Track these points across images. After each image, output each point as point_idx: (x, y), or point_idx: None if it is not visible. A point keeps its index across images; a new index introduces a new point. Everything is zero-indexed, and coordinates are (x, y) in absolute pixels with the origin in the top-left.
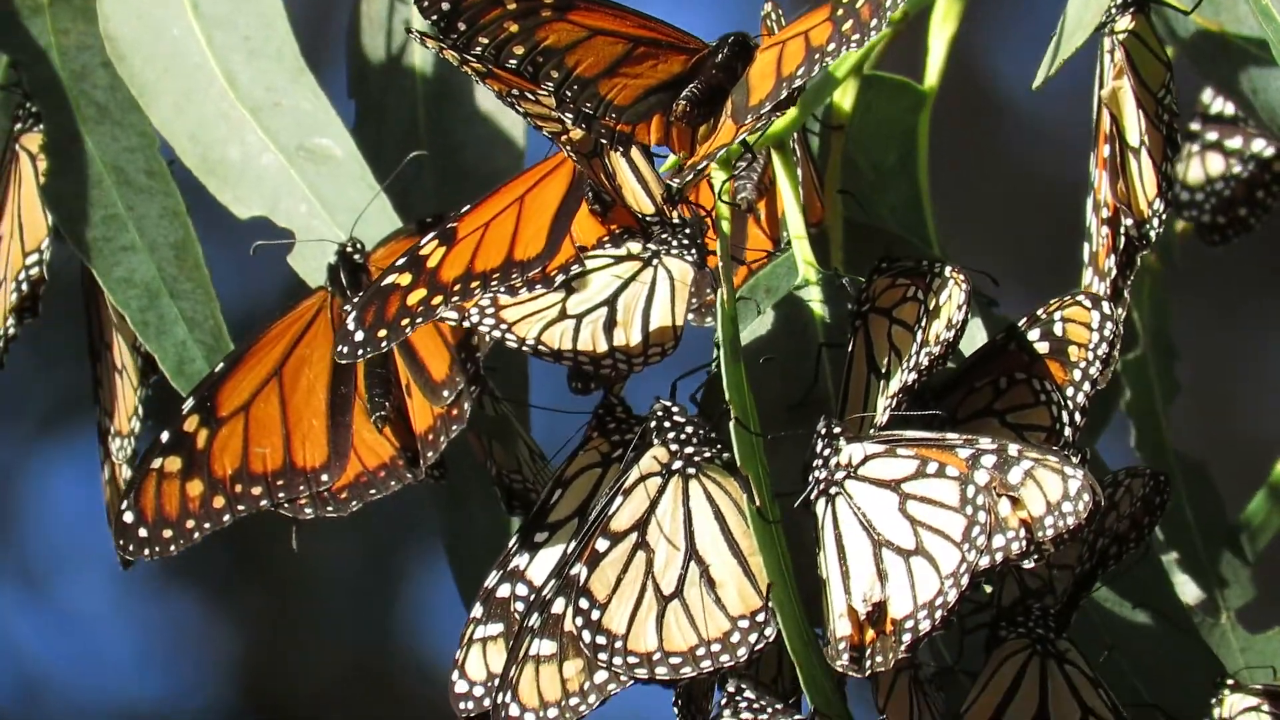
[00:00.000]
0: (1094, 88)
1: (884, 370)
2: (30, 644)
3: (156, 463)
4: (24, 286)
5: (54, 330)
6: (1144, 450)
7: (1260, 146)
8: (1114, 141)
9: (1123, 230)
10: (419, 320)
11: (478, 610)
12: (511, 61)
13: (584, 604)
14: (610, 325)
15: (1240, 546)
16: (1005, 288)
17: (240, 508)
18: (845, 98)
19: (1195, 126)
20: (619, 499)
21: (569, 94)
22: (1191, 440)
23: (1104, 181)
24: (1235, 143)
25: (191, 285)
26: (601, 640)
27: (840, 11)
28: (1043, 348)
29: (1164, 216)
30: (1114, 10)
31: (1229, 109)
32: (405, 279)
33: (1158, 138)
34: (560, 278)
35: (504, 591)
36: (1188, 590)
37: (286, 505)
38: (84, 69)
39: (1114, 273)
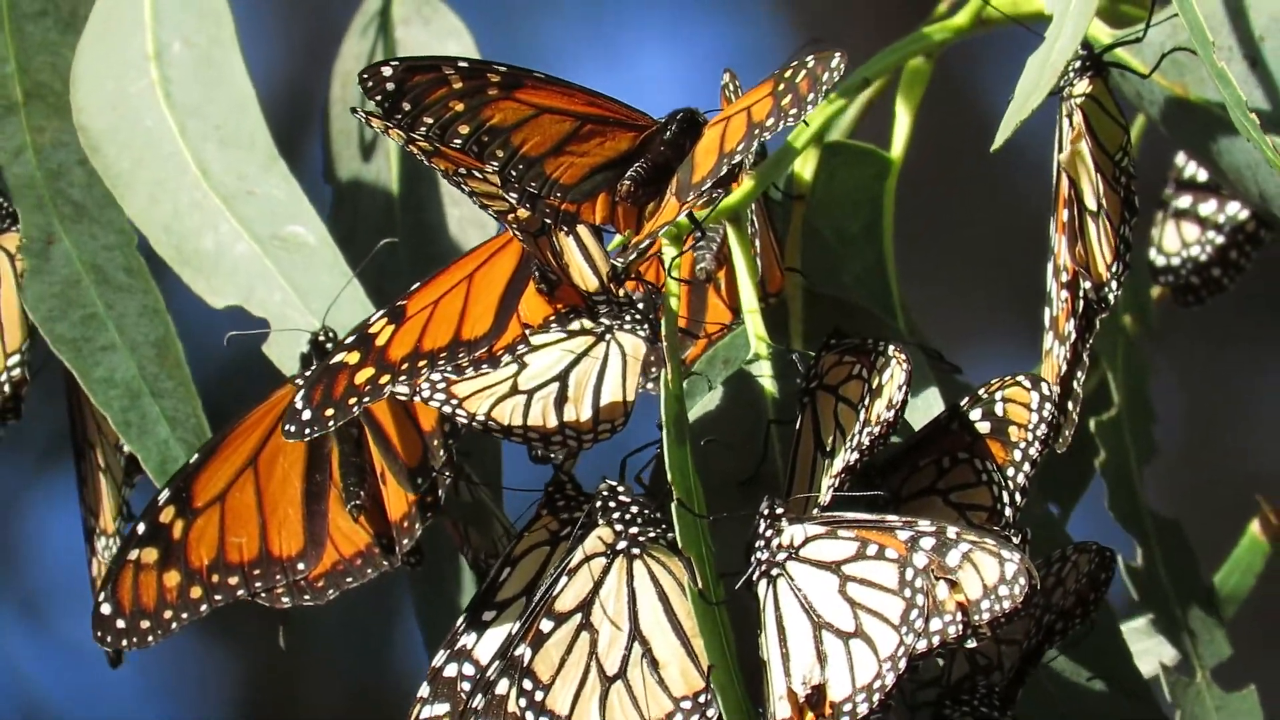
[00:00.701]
0: (1053, 151)
1: (829, 448)
2: (32, 675)
3: (133, 554)
4: (6, 388)
5: (55, 365)
6: (1117, 511)
7: (1235, 210)
8: (1072, 205)
9: (1082, 294)
10: (366, 400)
11: (424, 690)
12: (456, 141)
13: (528, 685)
14: (561, 401)
15: (1215, 605)
16: (979, 351)
17: (218, 598)
18: (806, 167)
19: (1169, 191)
20: (564, 579)
21: (514, 173)
22: (1175, 492)
23: (1063, 245)
24: (1209, 208)
25: (173, 384)
26: None
27: (781, 86)
28: (984, 427)
29: (1122, 280)
30: (1071, 74)
31: (1202, 174)
32: (354, 357)
33: (1116, 201)
34: (506, 357)
35: (451, 671)
36: (1163, 650)
37: (264, 595)
38: (60, 167)
39: (1074, 336)
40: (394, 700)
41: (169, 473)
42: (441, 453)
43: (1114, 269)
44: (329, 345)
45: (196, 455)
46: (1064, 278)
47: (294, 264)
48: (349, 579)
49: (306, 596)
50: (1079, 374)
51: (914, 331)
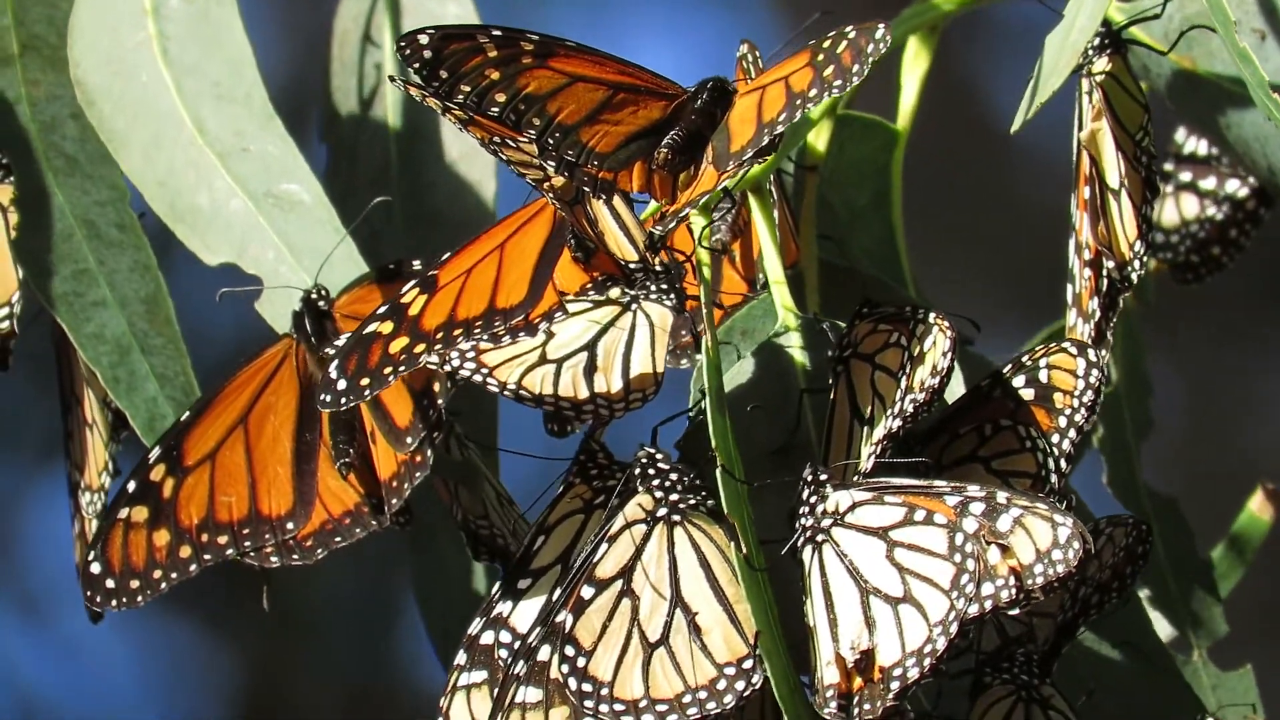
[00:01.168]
0: (1073, 129)
1: (868, 416)
2: (30, 670)
3: (123, 513)
4: None
5: (45, 319)
6: (1116, 487)
7: (1234, 187)
8: (1094, 183)
9: (1105, 272)
10: (401, 369)
11: (462, 657)
12: (493, 109)
13: (569, 651)
14: (590, 370)
15: (1212, 583)
16: (986, 323)
17: (207, 557)
18: (820, 139)
19: (1169, 167)
20: (604, 546)
21: (551, 142)
22: (1174, 471)
23: (1085, 223)
24: (1209, 183)
25: (162, 340)
26: (587, 687)
27: (821, 57)
28: (1028, 394)
29: (1145, 258)
30: (1090, 52)
31: (1202, 149)
32: (387, 327)
33: (1137, 179)
34: (543, 325)
35: (488, 638)
36: (1160, 627)
37: (253, 554)
38: (54, 120)
39: (1098, 315)
40: (391, 698)
41: (157, 430)
42: (433, 412)
43: (1136, 248)
44: (321, 303)
45: (188, 413)
46: (1086, 255)
47: (288, 221)
48: (338, 538)
49: (295, 556)
50: (1104, 351)
51: (924, 302)
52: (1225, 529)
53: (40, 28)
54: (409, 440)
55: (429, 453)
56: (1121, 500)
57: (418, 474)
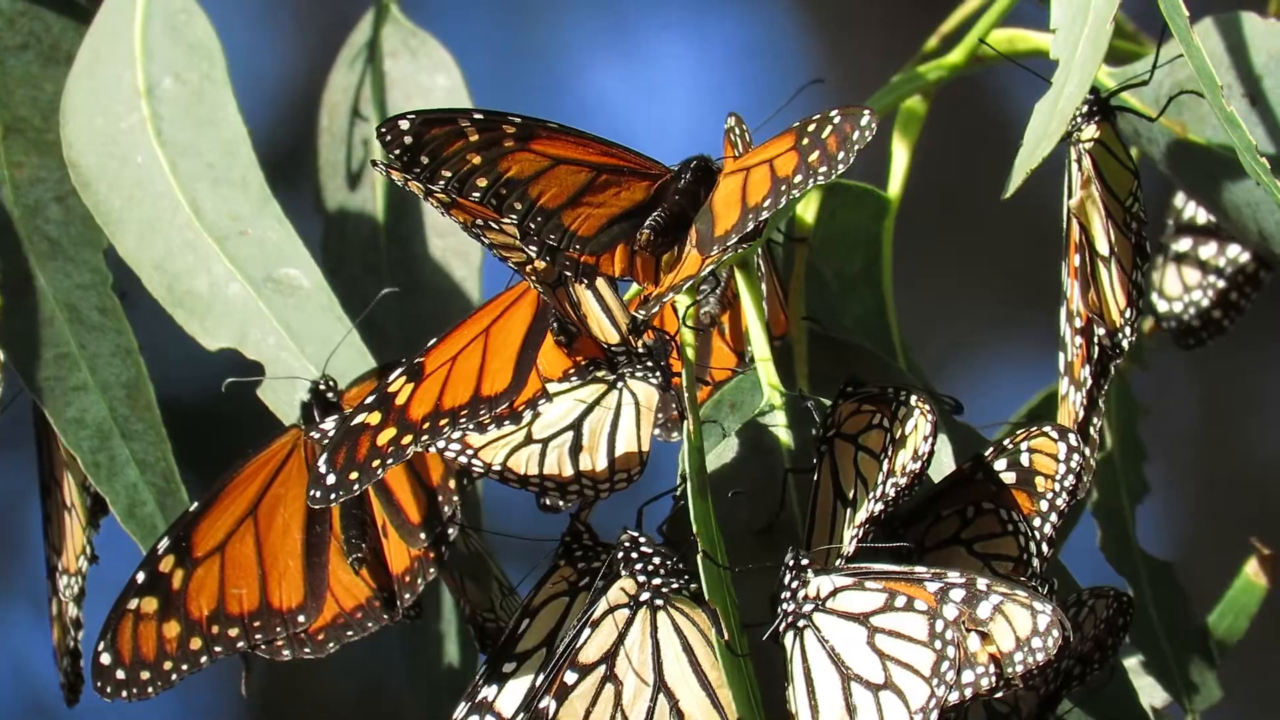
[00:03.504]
0: (1063, 197)
1: (851, 498)
2: (42, 670)
3: (133, 603)
4: None
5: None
6: (1109, 552)
7: (1235, 253)
8: (1084, 251)
9: (1096, 340)
10: (390, 461)
11: None
12: (475, 194)
13: None
14: (576, 450)
15: (1207, 648)
16: (977, 390)
17: (218, 649)
18: (808, 210)
19: (1169, 234)
20: (587, 631)
21: (533, 226)
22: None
23: (1076, 291)
24: (1210, 251)
25: (143, 426)
26: None
27: (806, 141)
28: (1009, 477)
29: (1136, 325)
30: (1079, 119)
31: (1201, 215)
32: (375, 418)
33: (1127, 246)
34: (527, 414)
35: None
36: (1154, 693)
37: (264, 647)
38: (37, 203)
39: (1089, 382)
40: (404, 702)
41: (137, 516)
42: (447, 509)
43: (1127, 314)
44: (330, 395)
45: (196, 504)
46: (1078, 323)
47: (288, 307)
48: (349, 632)
49: (306, 649)
50: (1095, 420)
51: (915, 373)
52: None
53: (24, 110)
54: (422, 536)
55: (443, 549)
56: (1115, 565)
57: (431, 570)
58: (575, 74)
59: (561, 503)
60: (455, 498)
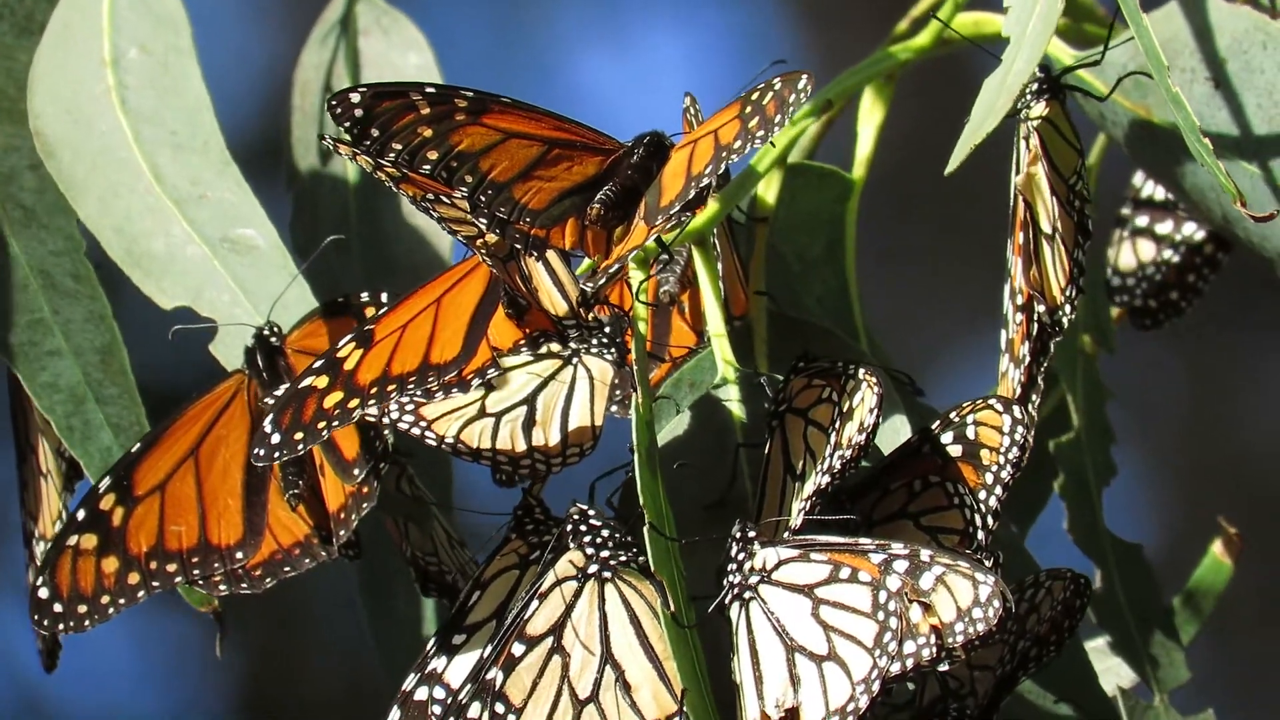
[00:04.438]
0: (1009, 174)
1: (799, 471)
2: (30, 660)
3: (72, 540)
4: None
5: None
6: (1076, 533)
7: (1191, 230)
8: (1028, 228)
9: (1036, 317)
10: (336, 424)
11: (396, 713)
12: (425, 167)
13: (499, 708)
14: (529, 424)
15: (1174, 629)
16: (941, 373)
17: (155, 584)
18: (769, 190)
19: (1126, 211)
20: (535, 603)
21: (483, 199)
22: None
23: (1019, 268)
24: (1166, 227)
25: (117, 390)
26: None
27: (748, 110)
28: (955, 450)
29: (1075, 303)
30: (1029, 96)
31: (1160, 193)
32: (322, 381)
33: (1070, 224)
34: (476, 381)
35: (421, 694)
36: (1122, 673)
37: (202, 582)
38: (11, 171)
39: (1028, 359)
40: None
41: None
42: (379, 445)
43: (1068, 292)
44: (274, 340)
45: (138, 444)
46: (1019, 300)
47: (243, 265)
48: (287, 568)
49: (244, 585)
50: (1034, 397)
51: (877, 353)
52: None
53: None
54: (356, 472)
55: (375, 484)
56: (1083, 547)
57: (364, 505)
58: (565, 63)
59: (515, 477)
60: (387, 434)
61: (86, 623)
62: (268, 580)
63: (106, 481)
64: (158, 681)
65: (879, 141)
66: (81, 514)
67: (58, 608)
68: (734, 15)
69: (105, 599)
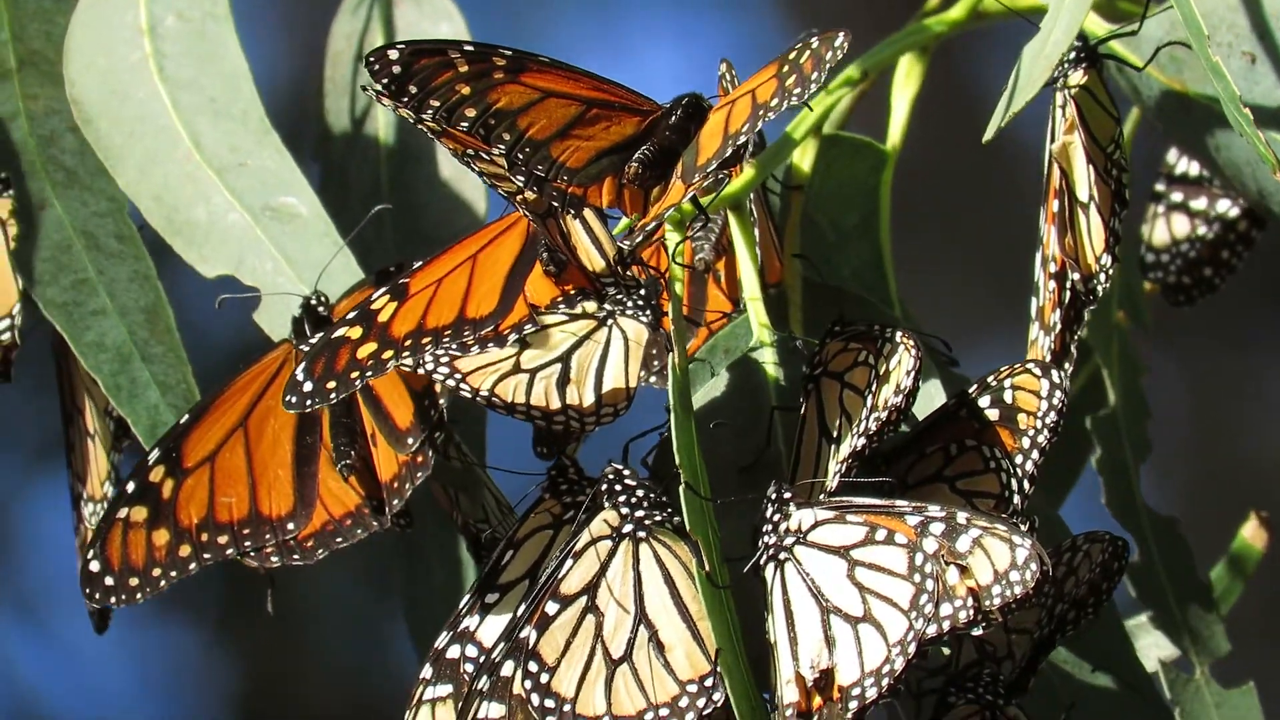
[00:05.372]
0: (1045, 142)
1: (835, 434)
2: (28, 674)
3: (122, 512)
4: None
5: (48, 359)
6: (1114, 508)
7: (1225, 207)
8: (1063, 196)
9: (1069, 285)
10: (368, 374)
11: (427, 670)
12: (463, 124)
13: (533, 667)
14: (564, 382)
15: (1213, 602)
16: (975, 344)
17: (206, 556)
18: (805, 158)
19: (1160, 187)
20: (569, 562)
21: (521, 157)
22: (1175, 485)
23: (1052, 236)
24: (1200, 203)
25: (163, 349)
26: (550, 703)
27: (785, 68)
28: (993, 415)
29: (1110, 272)
30: (1066, 65)
31: (1194, 169)
32: (356, 332)
33: (1106, 193)
34: (512, 336)
35: (454, 652)
36: (1162, 646)
37: (253, 554)
38: (52, 134)
39: (1059, 327)
40: (390, 701)
41: (159, 437)
42: (434, 413)
43: (1103, 261)
44: (321, 309)
45: (187, 415)
46: (1052, 268)
47: (285, 233)
48: (338, 539)
49: (296, 556)
50: (1066, 365)
51: (910, 321)
52: (1228, 541)
53: (38, 43)
54: (410, 441)
55: (430, 454)
56: (1120, 521)
57: (419, 475)
58: None
59: (553, 438)
60: (441, 403)
61: (138, 595)
62: (320, 551)
63: (155, 454)
64: (155, 695)
65: (912, 113)
66: (131, 486)
67: (109, 580)
68: (734, 26)
69: (156, 571)
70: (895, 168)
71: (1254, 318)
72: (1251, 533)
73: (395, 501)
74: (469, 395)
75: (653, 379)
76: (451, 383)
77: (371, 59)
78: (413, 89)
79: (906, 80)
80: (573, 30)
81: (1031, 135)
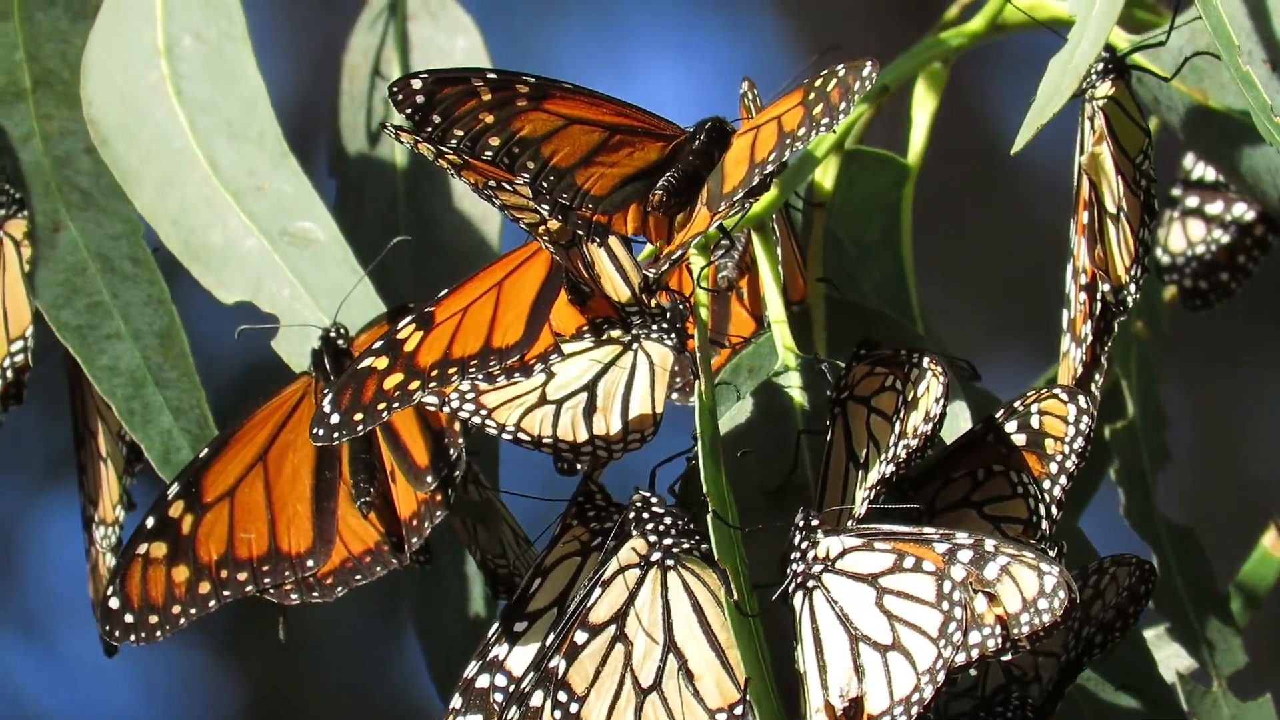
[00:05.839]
0: (1074, 153)
1: (862, 460)
2: (33, 694)
3: (142, 548)
4: (9, 374)
5: (58, 379)
6: (1132, 518)
7: (1241, 211)
8: (1093, 208)
9: (1100, 296)
10: (396, 405)
11: (457, 701)
12: (487, 153)
13: (562, 697)
14: (590, 411)
15: (1230, 614)
16: (996, 357)
17: (226, 593)
18: (826, 175)
19: (1176, 192)
20: (597, 590)
21: (545, 185)
22: (1188, 498)
23: (1082, 248)
24: (1216, 208)
25: (177, 374)
26: None
27: (812, 96)
28: (1020, 440)
29: (1141, 283)
30: (1094, 76)
31: (1210, 174)
32: (382, 363)
33: (1135, 204)
34: (539, 366)
35: (483, 682)
36: (1179, 658)
37: (272, 591)
38: (68, 155)
39: (1090, 339)
40: (398, 718)
41: (172, 462)
42: (453, 451)
43: (1133, 272)
44: (340, 342)
45: (206, 450)
46: (1083, 280)
47: (303, 259)
48: (358, 576)
49: (315, 594)
50: (1097, 377)
51: (932, 338)
52: (1243, 554)
53: (53, 63)
54: (429, 480)
55: (449, 492)
56: (1138, 531)
57: (438, 513)
58: None
59: (577, 464)
60: (461, 441)
61: (158, 633)
62: (339, 589)
63: (175, 489)
64: (161, 715)
65: (933, 127)
66: (151, 521)
67: (129, 618)
68: (737, 46)
69: (176, 609)
70: (915, 182)
71: (1264, 329)
72: (1272, 542)
73: (415, 539)
74: (494, 431)
75: (674, 395)
76: (476, 419)
77: (395, 89)
78: (436, 118)
79: (927, 94)
80: (576, 49)
81: (1056, 150)
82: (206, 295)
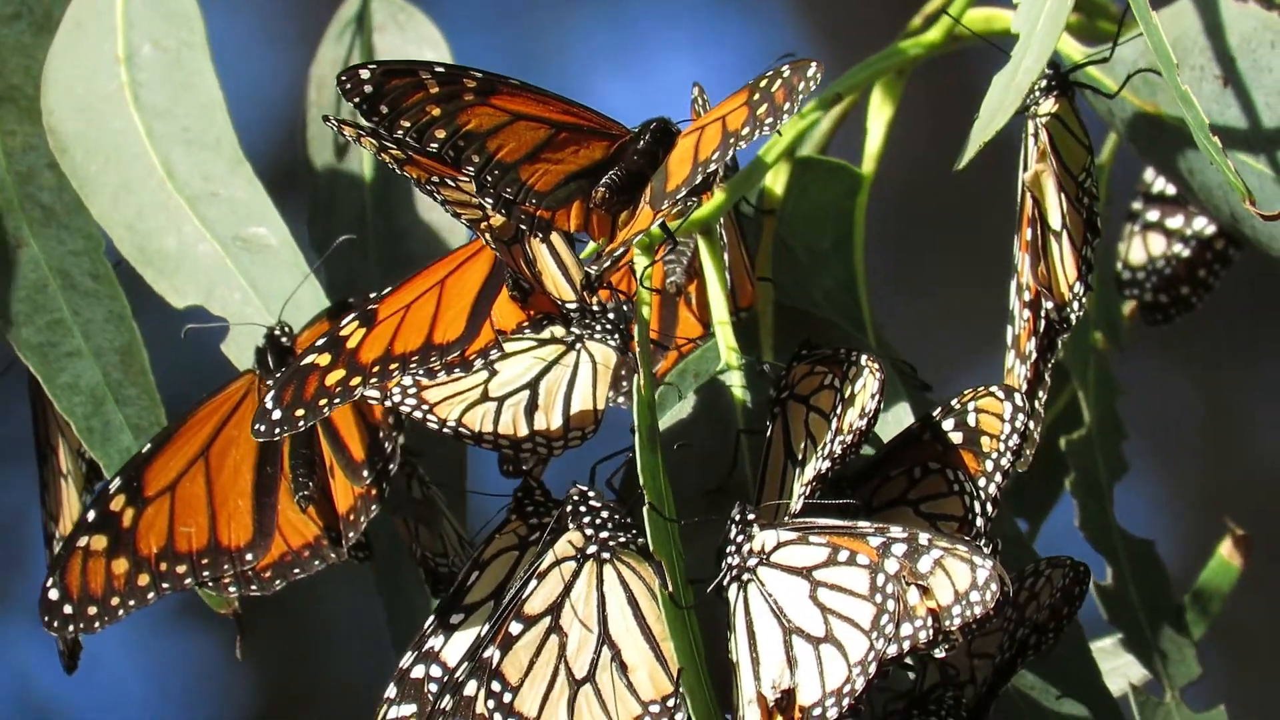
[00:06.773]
0: (1017, 170)
1: (800, 457)
2: (46, 683)
3: (82, 540)
4: None
5: (21, 367)
6: (1089, 530)
7: (1201, 225)
8: (1036, 224)
9: (1044, 313)
10: (337, 401)
11: (392, 690)
12: (433, 145)
13: (496, 687)
14: (531, 408)
15: (1185, 625)
16: (949, 369)
17: (165, 586)
18: (777, 182)
19: (1137, 206)
20: (533, 582)
21: (489, 179)
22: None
23: (1026, 264)
24: (1176, 222)
25: (137, 391)
26: None
27: (756, 96)
28: (956, 438)
29: (1084, 300)
30: (1037, 93)
31: (1170, 188)
32: (325, 359)
33: (1078, 221)
34: (479, 362)
35: (418, 672)
36: (1133, 669)
37: (211, 584)
38: (30, 171)
39: (1034, 356)
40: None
41: None
42: (388, 446)
43: (1075, 289)
44: (285, 340)
45: (149, 445)
46: (1026, 296)
47: (255, 264)
48: (296, 570)
49: (254, 587)
50: (1040, 393)
51: (884, 348)
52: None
53: (17, 78)
54: (364, 474)
55: (384, 486)
56: (1093, 543)
57: (373, 507)
58: (580, 87)
59: (519, 463)
60: (397, 436)
61: (96, 624)
62: (277, 582)
63: (117, 482)
64: (173, 704)
65: (889, 137)
66: (92, 515)
67: (68, 609)
68: (750, 38)
69: (115, 600)
70: (875, 190)
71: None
72: (1229, 551)
73: (351, 534)
74: (436, 426)
75: (620, 400)
76: (418, 414)
77: (344, 78)
78: (383, 109)
79: (882, 104)
80: (590, 43)
81: (1003, 159)
82: (164, 307)
